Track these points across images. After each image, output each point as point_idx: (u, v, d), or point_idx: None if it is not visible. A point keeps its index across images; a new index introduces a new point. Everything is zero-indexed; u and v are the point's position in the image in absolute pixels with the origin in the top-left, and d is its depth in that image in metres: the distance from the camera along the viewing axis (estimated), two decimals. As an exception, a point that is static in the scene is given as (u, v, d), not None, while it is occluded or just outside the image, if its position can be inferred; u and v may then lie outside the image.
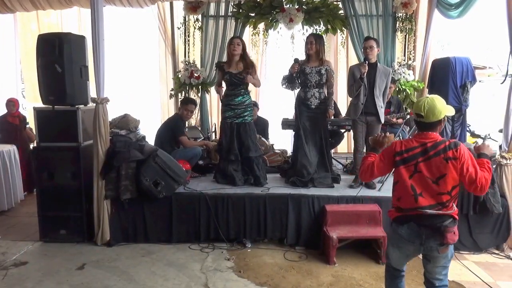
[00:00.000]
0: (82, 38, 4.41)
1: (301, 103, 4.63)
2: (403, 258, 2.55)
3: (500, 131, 4.41)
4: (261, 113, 6.81)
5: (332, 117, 4.82)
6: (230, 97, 4.68)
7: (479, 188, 2.28)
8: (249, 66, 4.60)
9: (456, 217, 2.36)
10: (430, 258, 2.44)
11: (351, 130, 6.26)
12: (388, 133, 2.65)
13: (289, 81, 4.60)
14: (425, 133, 2.37)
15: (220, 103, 4.82)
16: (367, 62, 4.40)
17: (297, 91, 4.70)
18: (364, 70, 4.39)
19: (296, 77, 4.56)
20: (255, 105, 6.39)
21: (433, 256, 2.39)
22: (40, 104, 4.38)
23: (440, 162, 2.29)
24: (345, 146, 7.07)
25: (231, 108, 4.67)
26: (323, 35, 5.66)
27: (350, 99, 5.78)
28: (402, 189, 2.38)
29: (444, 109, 2.34)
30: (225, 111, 4.72)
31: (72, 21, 7.05)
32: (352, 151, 6.45)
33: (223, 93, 4.76)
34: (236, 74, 4.60)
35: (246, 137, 4.66)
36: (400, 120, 5.54)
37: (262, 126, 6.35)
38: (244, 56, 4.64)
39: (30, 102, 7.10)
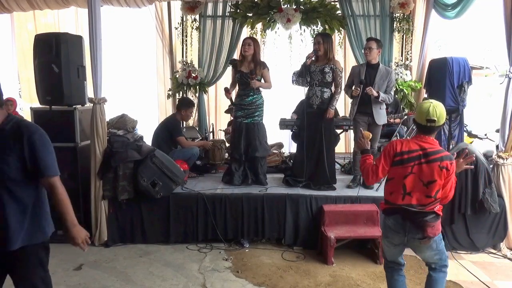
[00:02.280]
0: (79, 38, 4.40)
1: (306, 102, 4.62)
2: (392, 248, 2.67)
3: (497, 131, 4.43)
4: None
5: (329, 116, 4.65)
6: (241, 97, 4.67)
7: (445, 202, 2.58)
8: (257, 67, 4.55)
9: (439, 213, 2.52)
10: (414, 248, 2.64)
11: (348, 130, 6.31)
12: (362, 130, 2.75)
13: (300, 75, 4.53)
14: (426, 137, 2.50)
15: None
16: (361, 85, 4.38)
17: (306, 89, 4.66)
18: (355, 94, 4.40)
19: (306, 71, 4.50)
20: None
21: (416, 246, 2.58)
22: (37, 104, 4.37)
23: (435, 168, 2.43)
24: (342, 146, 7.07)
25: (242, 108, 4.66)
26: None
27: (347, 98, 5.79)
28: (395, 186, 2.54)
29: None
30: (236, 110, 4.72)
31: (69, 21, 7.03)
32: (349, 151, 6.45)
33: (230, 94, 4.71)
34: (247, 73, 4.58)
35: (254, 137, 4.64)
36: (397, 120, 5.55)
37: None
38: (254, 56, 4.59)
39: (27, 103, 7.07)
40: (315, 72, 4.47)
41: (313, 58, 4.50)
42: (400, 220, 2.53)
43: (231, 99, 4.83)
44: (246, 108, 4.65)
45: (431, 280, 2.67)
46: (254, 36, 6.69)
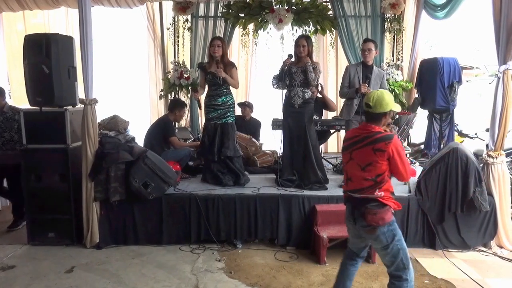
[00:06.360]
0: (69, 39, 4.37)
1: (286, 102, 4.66)
2: (351, 237, 2.77)
3: (487, 130, 4.48)
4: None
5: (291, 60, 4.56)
6: (212, 98, 4.67)
7: (400, 179, 2.60)
8: (226, 67, 4.58)
9: (384, 202, 2.51)
10: (361, 236, 2.67)
11: (341, 130, 6.33)
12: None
13: (280, 79, 4.58)
14: (368, 125, 2.58)
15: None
16: (367, 83, 4.38)
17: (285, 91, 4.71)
18: (364, 90, 4.38)
19: (285, 76, 4.55)
20: (247, 105, 6.40)
21: (364, 236, 2.64)
22: (27, 105, 4.33)
23: (369, 151, 2.51)
24: (335, 145, 7.10)
25: (215, 108, 4.67)
26: (312, 36, 5.65)
27: (339, 99, 5.80)
28: (344, 173, 2.73)
29: (391, 102, 2.55)
30: (208, 112, 4.72)
31: (60, 21, 6.96)
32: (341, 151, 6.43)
33: (199, 96, 4.85)
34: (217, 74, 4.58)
35: (227, 138, 4.67)
36: (389, 120, 5.57)
37: (254, 126, 6.36)
38: (223, 57, 4.61)
39: (17, 104, 6.99)
40: (296, 73, 4.52)
41: (292, 60, 4.54)
42: (350, 208, 2.63)
43: (198, 101, 4.89)
44: (219, 108, 4.66)
45: None
46: (246, 36, 6.70)
